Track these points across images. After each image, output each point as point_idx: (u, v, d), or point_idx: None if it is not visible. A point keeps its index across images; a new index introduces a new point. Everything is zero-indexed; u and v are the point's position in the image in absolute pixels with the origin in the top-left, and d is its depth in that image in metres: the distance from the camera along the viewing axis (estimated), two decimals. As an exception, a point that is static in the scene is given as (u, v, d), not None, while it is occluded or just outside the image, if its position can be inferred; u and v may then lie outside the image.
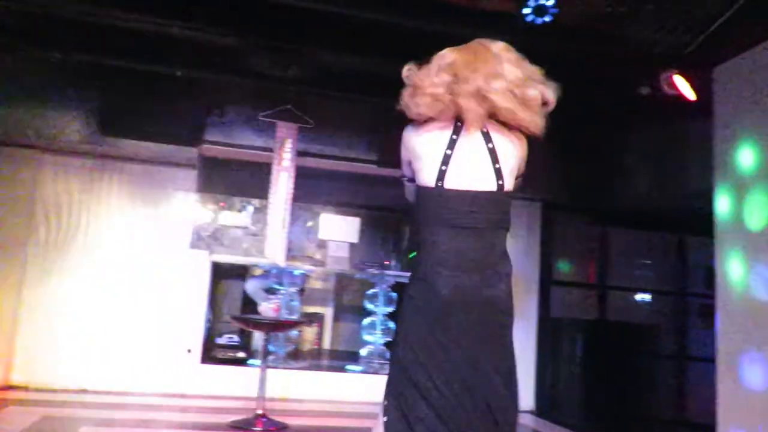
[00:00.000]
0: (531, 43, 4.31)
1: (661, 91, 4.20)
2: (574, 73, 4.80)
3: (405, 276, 6.90)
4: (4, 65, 5.23)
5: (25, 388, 5.39)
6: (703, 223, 4.08)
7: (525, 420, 5.86)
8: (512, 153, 2.03)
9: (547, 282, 6.46)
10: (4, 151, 5.54)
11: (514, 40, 4.32)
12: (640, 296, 7.13)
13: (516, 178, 2.07)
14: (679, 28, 3.82)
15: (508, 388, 1.98)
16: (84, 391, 5.48)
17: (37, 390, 5.39)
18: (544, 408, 6.16)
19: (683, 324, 6.81)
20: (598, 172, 6.16)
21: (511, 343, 2.07)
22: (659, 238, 7.01)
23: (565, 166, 6.37)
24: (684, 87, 4.16)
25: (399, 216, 8.97)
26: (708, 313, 3.98)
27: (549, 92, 2.05)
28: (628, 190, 5.92)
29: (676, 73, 4.13)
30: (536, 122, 2.04)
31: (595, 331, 5.99)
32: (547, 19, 3.62)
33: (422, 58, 4.54)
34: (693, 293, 6.83)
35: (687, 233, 6.89)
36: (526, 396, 6.25)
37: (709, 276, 4.03)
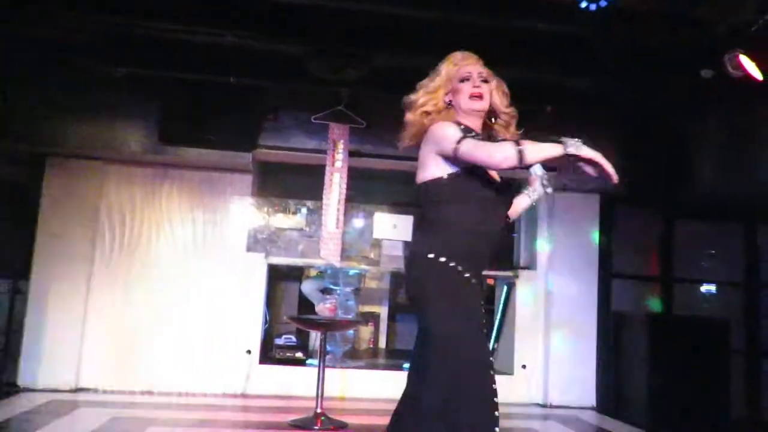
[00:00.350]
0: (586, 31, 4.24)
1: (726, 74, 4.00)
2: (633, 60, 4.67)
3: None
4: (69, 81, 5.45)
5: (95, 391, 5.59)
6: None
7: (587, 417, 5.71)
8: (422, 148, 2.32)
9: (607, 275, 6.28)
10: (70, 163, 5.75)
11: (568, 30, 4.24)
12: (707, 288, 6.85)
13: (456, 162, 2.20)
14: (742, 6, 3.63)
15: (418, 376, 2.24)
16: (149, 393, 5.64)
17: (105, 392, 5.58)
18: (606, 405, 5.99)
19: (756, 317, 6.49)
20: (659, 162, 5.94)
21: (424, 326, 2.23)
22: (727, 228, 6.70)
23: (624, 156, 6.16)
24: (751, 67, 3.95)
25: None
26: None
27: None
28: (692, 180, 5.68)
29: (742, 53, 3.92)
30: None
31: (660, 325, 5.77)
32: (602, 4, 3.50)
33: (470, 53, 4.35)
34: (766, 284, 6.51)
35: (758, 222, 6.57)
36: (588, 392, 6.10)
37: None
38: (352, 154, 5.88)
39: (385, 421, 2.57)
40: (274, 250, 6.34)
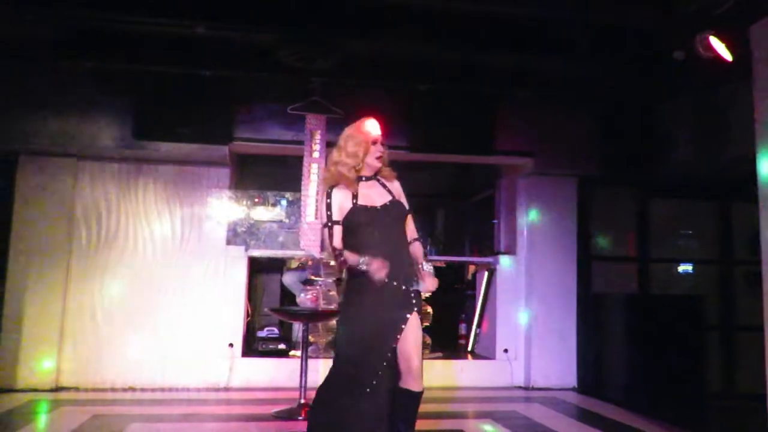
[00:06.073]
0: (557, 16, 4.26)
1: (698, 55, 4.04)
2: (605, 43, 4.70)
3: (440, 259, 6.89)
4: (36, 77, 5.35)
5: (75, 389, 5.55)
6: (747, 188, 3.93)
7: (568, 397, 5.79)
8: None
9: (585, 257, 6.35)
10: (42, 161, 5.65)
11: (543, 14, 4.23)
12: (683, 267, 6.95)
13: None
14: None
15: None
16: (131, 389, 5.61)
17: (86, 390, 5.54)
18: (587, 385, 6.08)
19: (730, 293, 6.62)
20: (635, 143, 6.01)
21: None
22: (702, 207, 6.81)
23: (601, 139, 6.23)
24: (721, 48, 3.99)
25: (432, 201, 8.93)
26: (756, 280, 3.85)
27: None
28: (667, 160, 5.75)
29: (713, 35, 3.96)
30: None
31: (638, 304, 5.86)
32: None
33: (445, 38, 4.53)
34: (740, 261, 6.63)
35: (731, 200, 6.68)
36: (570, 373, 6.18)
37: (755, 242, 3.89)
38: (329, 144, 5.85)
39: (368, 408, 2.68)
40: (254, 242, 6.32)
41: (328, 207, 2.97)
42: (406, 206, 3.12)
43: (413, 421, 2.91)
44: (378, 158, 3.08)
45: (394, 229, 3.01)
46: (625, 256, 6.64)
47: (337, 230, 2.97)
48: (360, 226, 2.95)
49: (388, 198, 3.06)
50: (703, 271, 6.85)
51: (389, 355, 2.86)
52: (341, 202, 2.98)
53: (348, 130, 3.12)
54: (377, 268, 2.79)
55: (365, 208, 2.97)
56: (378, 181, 3.11)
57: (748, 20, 3.83)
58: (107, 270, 5.78)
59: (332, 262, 2.93)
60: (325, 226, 2.98)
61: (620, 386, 5.65)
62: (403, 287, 2.92)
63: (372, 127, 3.11)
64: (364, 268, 2.81)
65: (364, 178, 3.07)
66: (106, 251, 5.81)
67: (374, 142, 3.08)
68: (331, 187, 3.01)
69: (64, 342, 5.61)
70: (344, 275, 3.00)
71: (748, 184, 3.88)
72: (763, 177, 3.77)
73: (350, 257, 2.85)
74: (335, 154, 3.06)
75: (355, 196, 2.99)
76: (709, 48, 4.02)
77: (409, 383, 2.86)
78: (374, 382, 2.85)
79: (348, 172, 2.99)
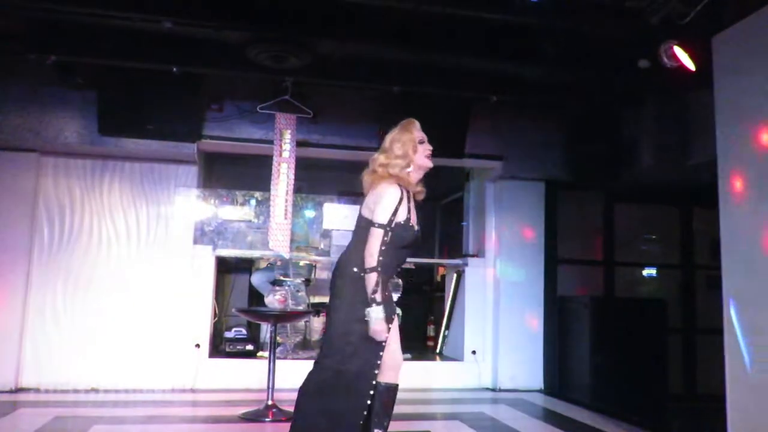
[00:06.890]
0: (527, 22, 4.31)
1: (662, 64, 4.14)
2: (573, 50, 4.78)
3: (409, 261, 6.89)
4: (1, 69, 5.22)
5: (36, 390, 5.43)
6: (708, 194, 4.03)
7: (534, 399, 5.86)
8: (369, 200, 2.97)
9: (552, 261, 6.44)
10: (4, 155, 5.52)
11: (514, 19, 4.28)
12: (648, 271, 7.10)
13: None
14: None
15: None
16: (94, 390, 5.51)
17: (48, 391, 5.42)
18: (553, 387, 6.16)
19: (692, 297, 6.78)
20: (601, 149, 6.11)
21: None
22: (665, 212, 6.97)
23: (568, 144, 6.32)
24: (684, 58, 4.09)
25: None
26: (716, 284, 3.95)
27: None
28: (632, 165, 5.87)
29: (677, 44, 4.06)
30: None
31: (602, 307, 5.97)
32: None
33: (417, 41, 4.57)
34: (701, 265, 6.79)
35: (693, 205, 6.85)
36: (536, 375, 6.26)
37: (714, 247, 3.99)
38: (299, 144, 5.84)
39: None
40: (221, 242, 6.26)
41: (395, 209, 2.86)
42: None
43: (390, 416, 2.96)
44: (428, 156, 3.06)
45: (410, 252, 3.07)
46: (591, 260, 6.75)
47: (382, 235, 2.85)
48: (400, 246, 2.94)
49: (416, 219, 3.03)
50: (667, 274, 7.00)
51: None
52: (400, 209, 2.90)
53: (392, 134, 3.06)
54: (379, 330, 2.79)
55: (414, 229, 2.98)
56: (414, 197, 3.08)
57: (710, 31, 3.93)
58: (70, 268, 5.66)
59: (363, 271, 2.83)
60: (383, 227, 2.84)
61: (585, 388, 5.74)
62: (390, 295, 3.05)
63: (416, 127, 3.09)
64: (373, 316, 2.76)
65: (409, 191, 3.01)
66: (69, 249, 5.69)
67: (421, 142, 3.06)
68: (397, 186, 2.92)
69: (24, 341, 5.48)
70: (347, 279, 2.89)
71: (709, 190, 3.98)
72: (723, 183, 3.86)
73: (378, 293, 2.79)
74: (382, 158, 3.00)
75: (409, 210, 2.96)
76: (674, 57, 4.12)
77: (390, 377, 2.95)
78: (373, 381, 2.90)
79: (400, 172, 2.96)
